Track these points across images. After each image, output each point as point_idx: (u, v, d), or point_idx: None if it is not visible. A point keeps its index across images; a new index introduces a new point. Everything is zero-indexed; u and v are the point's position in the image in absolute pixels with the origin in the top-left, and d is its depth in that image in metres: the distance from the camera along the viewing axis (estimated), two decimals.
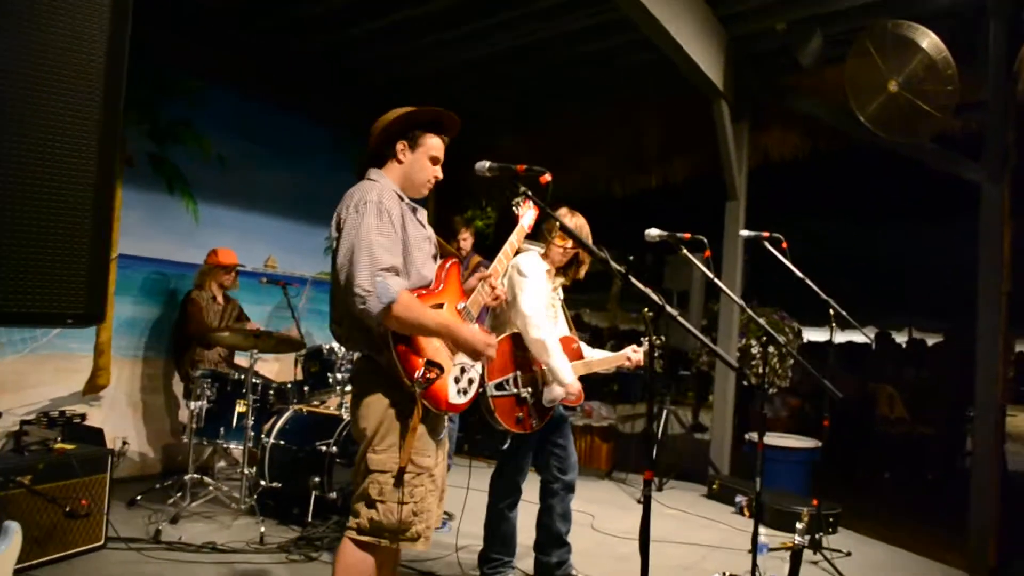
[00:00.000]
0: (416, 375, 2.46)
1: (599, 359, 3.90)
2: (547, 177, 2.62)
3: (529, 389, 3.53)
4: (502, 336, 3.52)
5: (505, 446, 3.65)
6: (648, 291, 2.50)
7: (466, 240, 5.83)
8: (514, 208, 3.00)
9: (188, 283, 5.50)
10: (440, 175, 2.79)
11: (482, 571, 3.80)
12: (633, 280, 2.48)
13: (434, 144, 2.75)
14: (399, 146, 2.72)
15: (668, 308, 2.46)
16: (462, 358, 2.67)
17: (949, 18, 5.38)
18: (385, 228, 2.52)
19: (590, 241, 3.85)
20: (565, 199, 4.00)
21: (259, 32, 6.02)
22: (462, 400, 2.66)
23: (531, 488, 3.84)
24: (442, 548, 4.09)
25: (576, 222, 3.74)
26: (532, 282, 3.61)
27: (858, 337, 5.74)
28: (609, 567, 4.24)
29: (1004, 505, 5.16)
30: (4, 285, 1.41)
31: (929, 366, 10.04)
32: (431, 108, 2.75)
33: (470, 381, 2.71)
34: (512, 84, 7.11)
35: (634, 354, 3.91)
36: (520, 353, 3.56)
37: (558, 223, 2.82)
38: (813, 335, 9.95)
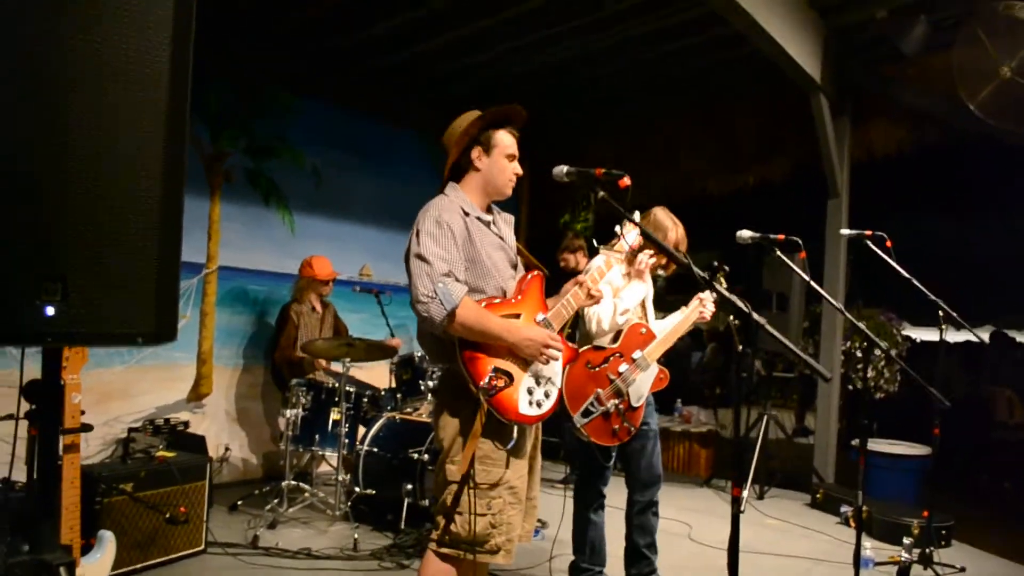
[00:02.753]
0: (482, 382, 2.45)
1: (671, 325, 3.69)
2: (626, 181, 2.54)
3: (614, 400, 3.42)
4: (570, 365, 3.28)
5: (611, 461, 3.60)
6: (734, 297, 2.40)
7: (579, 259, 5.75)
8: (616, 230, 2.97)
9: (285, 292, 5.67)
10: (520, 171, 2.77)
11: None
12: (718, 288, 2.39)
13: (507, 142, 2.73)
14: (474, 154, 2.71)
15: (755, 316, 2.35)
16: (537, 369, 2.63)
17: None
18: (443, 240, 2.52)
19: (685, 243, 3.76)
20: (660, 200, 3.91)
21: (342, 47, 6.15)
22: (534, 412, 2.60)
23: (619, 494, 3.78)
24: (535, 556, 4.06)
25: (666, 223, 3.68)
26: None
27: (974, 337, 5.42)
28: None
29: None
30: (75, 307, 1.44)
31: None
32: (495, 108, 2.73)
33: (546, 394, 2.65)
34: (600, 87, 7.03)
35: (703, 305, 3.71)
36: (591, 370, 3.42)
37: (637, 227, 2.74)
38: (927, 334, 9.48)
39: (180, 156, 1.57)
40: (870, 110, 6.42)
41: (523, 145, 2.80)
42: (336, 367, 5.27)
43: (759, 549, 4.72)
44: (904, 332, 7.62)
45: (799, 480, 6.49)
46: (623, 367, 3.44)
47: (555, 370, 2.69)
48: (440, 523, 2.56)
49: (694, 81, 6.75)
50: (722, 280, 3.54)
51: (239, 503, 4.89)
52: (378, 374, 5.93)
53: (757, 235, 3.50)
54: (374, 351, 4.94)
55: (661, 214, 3.74)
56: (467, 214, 2.64)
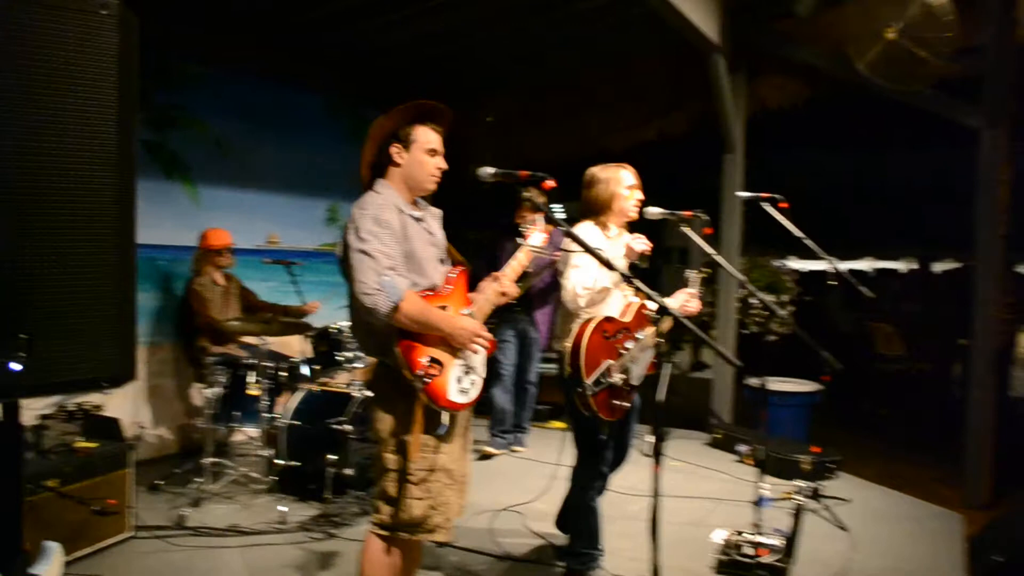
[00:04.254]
0: (418, 370, 2.58)
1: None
2: (550, 183, 2.64)
3: (620, 375, 3.41)
4: (591, 327, 3.37)
5: (604, 435, 3.54)
6: (652, 293, 2.56)
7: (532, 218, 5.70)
8: (522, 230, 3.03)
9: (190, 267, 5.56)
10: (443, 165, 2.83)
11: (570, 566, 3.76)
12: (637, 284, 2.55)
13: (427, 137, 2.79)
14: (393, 150, 2.76)
15: (671, 309, 2.51)
16: (465, 358, 2.76)
17: None
18: (384, 236, 2.61)
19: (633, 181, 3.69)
20: (561, 155, 4.01)
21: (244, 15, 5.94)
22: (462, 399, 2.74)
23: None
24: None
25: (606, 174, 3.65)
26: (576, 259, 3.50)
27: (860, 268, 5.80)
28: (621, 527, 4.28)
29: (1003, 436, 5.31)
30: (42, 359, 1.49)
31: (927, 300, 10.17)
32: (414, 104, 2.78)
33: (472, 383, 2.80)
34: (501, 46, 7.02)
35: (690, 300, 3.65)
36: (606, 339, 3.40)
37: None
38: (820, 264, 10.03)
39: (131, 218, 1.61)
40: (765, 66, 6.63)
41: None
42: (250, 340, 5.26)
43: (666, 492, 5.00)
44: (794, 266, 8.10)
45: (698, 421, 6.89)
46: (630, 343, 3.46)
47: (480, 360, 2.82)
48: (381, 508, 2.71)
49: (594, 39, 6.81)
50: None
51: (161, 482, 4.87)
52: (292, 343, 5.92)
53: (666, 212, 3.68)
54: (290, 327, 5.02)
55: (601, 171, 3.67)
56: (401, 211, 2.72)
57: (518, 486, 5.14)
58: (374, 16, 6.06)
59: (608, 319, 3.43)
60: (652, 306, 3.58)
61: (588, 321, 3.38)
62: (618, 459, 3.81)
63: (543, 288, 5.82)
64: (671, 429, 6.68)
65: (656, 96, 7.17)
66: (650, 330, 3.53)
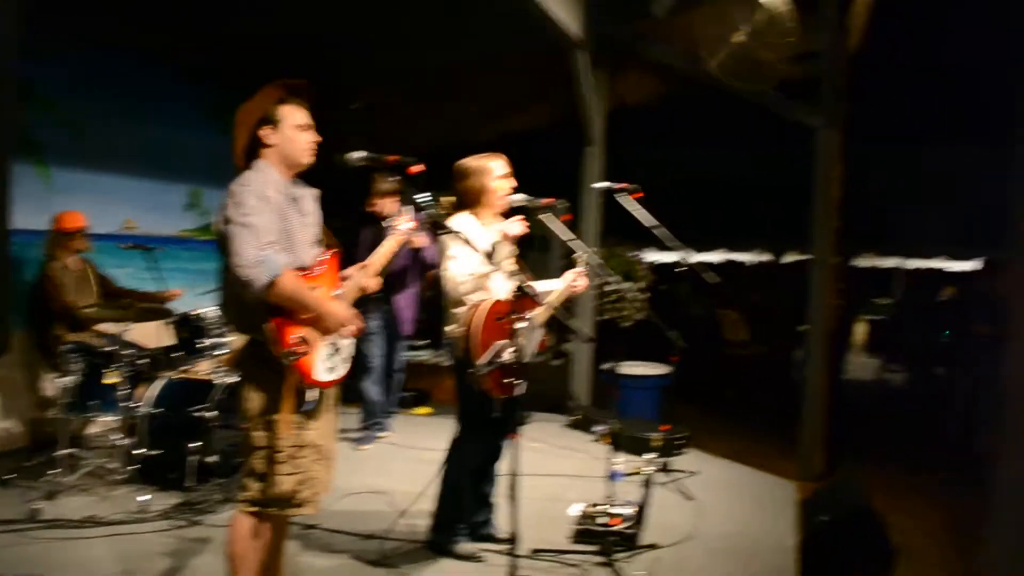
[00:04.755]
0: (287, 348, 2.66)
1: (553, 293, 3.85)
2: (416, 168, 2.76)
3: (512, 353, 3.48)
4: (483, 311, 3.53)
5: (496, 412, 3.60)
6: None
7: (387, 205, 5.67)
8: (389, 220, 3.11)
9: (42, 251, 5.32)
10: (316, 138, 2.91)
11: (438, 539, 3.90)
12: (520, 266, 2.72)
13: (295, 115, 2.86)
14: (263, 133, 2.82)
15: (527, 286, 2.70)
16: (334, 339, 2.85)
17: None
18: (265, 212, 2.67)
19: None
20: (432, 144, 4.12)
21: None
22: (328, 377, 2.84)
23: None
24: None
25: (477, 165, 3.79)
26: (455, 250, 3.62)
27: (712, 259, 6.20)
28: None
29: (836, 414, 5.84)
30: None
31: (771, 290, 10.90)
32: (275, 84, 2.86)
33: (342, 361, 2.90)
34: (369, 33, 7.02)
35: (576, 279, 3.88)
36: (498, 321, 3.52)
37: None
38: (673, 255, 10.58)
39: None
40: (626, 63, 6.95)
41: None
42: (108, 328, 5.09)
43: (525, 471, 5.22)
44: (650, 257, 8.52)
45: (558, 404, 7.17)
46: (520, 324, 3.50)
47: (348, 341, 2.92)
48: (250, 485, 2.76)
49: (464, 31, 6.92)
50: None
51: (11, 476, 4.66)
52: (150, 331, 5.76)
53: (527, 199, 3.86)
54: (150, 314, 4.92)
55: (472, 163, 3.80)
56: (280, 190, 2.79)
57: (383, 470, 5.24)
58: None
59: (498, 302, 3.58)
60: (541, 287, 3.79)
61: (478, 305, 3.54)
62: (499, 441, 3.90)
63: (399, 271, 5.70)
64: (532, 412, 6.90)
65: (522, 89, 7.38)
66: (539, 310, 3.69)
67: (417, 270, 5.86)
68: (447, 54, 7.36)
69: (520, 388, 3.34)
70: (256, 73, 3.20)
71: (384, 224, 5.37)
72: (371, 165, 2.84)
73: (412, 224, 3.17)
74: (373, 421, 6.00)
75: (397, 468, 5.27)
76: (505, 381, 3.51)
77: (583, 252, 3.91)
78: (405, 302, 5.90)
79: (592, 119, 6.80)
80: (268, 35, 6.76)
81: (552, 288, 3.89)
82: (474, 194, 3.77)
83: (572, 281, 3.87)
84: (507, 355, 3.51)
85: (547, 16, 5.62)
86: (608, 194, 4.54)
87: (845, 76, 5.79)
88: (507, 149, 3.94)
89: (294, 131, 2.84)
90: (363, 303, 3.77)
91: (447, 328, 3.75)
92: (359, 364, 5.57)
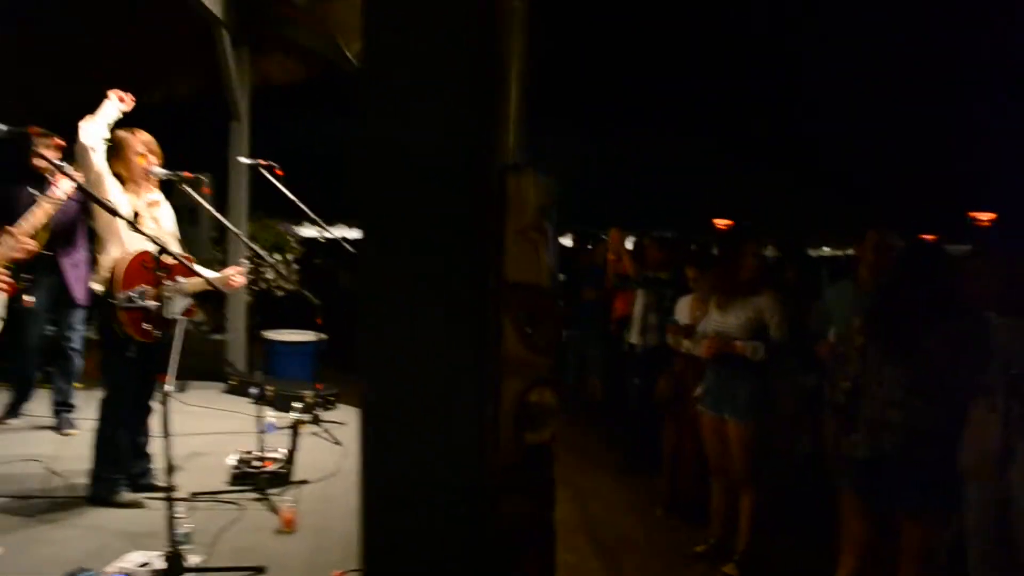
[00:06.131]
0: None
1: (206, 275, 4.13)
2: (57, 140, 2.99)
3: (154, 302, 3.74)
4: (131, 253, 3.77)
5: (131, 352, 3.85)
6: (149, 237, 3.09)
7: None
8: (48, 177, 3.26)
9: None
10: None
11: (98, 492, 4.04)
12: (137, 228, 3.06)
13: None
14: None
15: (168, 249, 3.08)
16: None
17: None
18: None
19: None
20: (60, 109, 4.17)
21: None
22: None
23: None
24: None
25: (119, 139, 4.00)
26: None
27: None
28: None
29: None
30: None
31: None
32: None
33: None
34: None
35: (232, 278, 4.23)
36: (144, 268, 3.75)
37: None
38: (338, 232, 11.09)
39: None
40: (270, 45, 7.26)
41: None
42: None
43: (185, 432, 5.41)
44: (304, 232, 8.94)
45: (216, 372, 7.38)
46: (170, 283, 3.77)
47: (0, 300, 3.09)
48: None
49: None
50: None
51: None
52: None
53: (169, 173, 4.16)
54: None
55: (120, 134, 4.01)
56: None
57: (32, 442, 5.21)
58: None
59: (148, 252, 3.76)
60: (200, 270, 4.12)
61: (132, 253, 3.81)
62: (145, 392, 4.14)
63: (64, 231, 5.06)
64: (191, 381, 6.98)
65: (161, 61, 7.35)
66: (194, 280, 4.03)
67: (86, 230, 5.20)
68: (85, 23, 7.13)
69: (157, 336, 3.75)
70: None
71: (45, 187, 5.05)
72: (14, 138, 3.01)
73: (69, 188, 3.35)
74: (23, 401, 5.65)
75: (48, 438, 5.24)
76: (144, 325, 3.81)
77: (246, 253, 4.28)
78: (71, 264, 5.22)
79: (236, 95, 7.02)
80: None
81: (209, 275, 4.20)
82: (118, 166, 3.98)
83: (230, 276, 4.25)
84: (150, 301, 3.80)
85: None
86: (253, 168, 4.94)
87: None
88: (147, 121, 4.20)
89: None
90: (30, 270, 3.83)
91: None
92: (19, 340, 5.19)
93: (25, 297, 4.56)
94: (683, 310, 4.81)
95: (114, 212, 3.21)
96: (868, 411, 3.14)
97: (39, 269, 4.85)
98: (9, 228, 3.17)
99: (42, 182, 4.80)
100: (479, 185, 1.35)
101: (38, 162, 5.34)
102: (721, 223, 16.97)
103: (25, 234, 3.19)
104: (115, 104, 3.77)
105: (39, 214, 3.26)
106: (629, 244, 6.38)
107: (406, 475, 1.40)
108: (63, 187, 3.37)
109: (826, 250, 19.94)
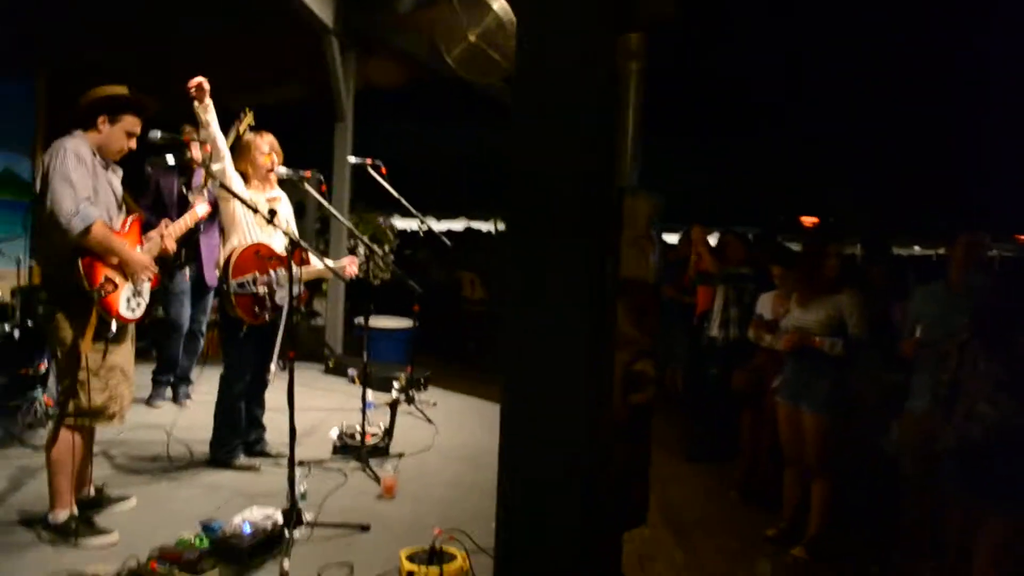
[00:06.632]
0: (97, 285, 3.26)
1: (320, 266, 4.65)
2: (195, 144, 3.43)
3: (264, 288, 4.22)
4: (246, 244, 4.23)
5: (242, 333, 4.29)
6: (283, 231, 3.52)
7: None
8: (189, 195, 3.73)
9: None
10: (132, 146, 3.51)
11: (218, 455, 4.51)
12: (273, 223, 3.49)
13: (131, 123, 3.46)
14: (100, 119, 3.39)
15: (298, 240, 3.50)
16: (135, 283, 3.47)
17: None
18: (83, 171, 3.25)
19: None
20: (181, 107, 4.63)
21: None
22: (130, 315, 3.48)
23: None
24: None
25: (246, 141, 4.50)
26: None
27: (455, 227, 7.14)
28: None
29: None
30: None
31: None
32: (134, 96, 3.44)
33: (139, 304, 3.53)
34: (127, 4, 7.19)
35: (349, 266, 4.66)
36: (258, 257, 4.22)
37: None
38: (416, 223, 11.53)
39: None
40: (373, 50, 7.71)
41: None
42: None
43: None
44: (398, 224, 9.39)
45: (315, 354, 7.92)
46: (281, 271, 4.22)
47: (147, 288, 3.55)
48: (67, 403, 3.31)
49: (219, 9, 7.30)
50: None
51: None
52: None
53: (290, 171, 4.59)
54: None
55: (248, 136, 4.52)
56: (95, 154, 3.36)
57: (153, 411, 5.73)
58: None
59: (263, 244, 4.27)
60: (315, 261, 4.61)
61: (247, 244, 4.25)
62: (261, 366, 4.45)
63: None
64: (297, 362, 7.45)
65: (275, 66, 7.88)
66: (310, 268, 4.51)
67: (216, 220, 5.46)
68: (205, 31, 7.69)
69: (268, 319, 4.16)
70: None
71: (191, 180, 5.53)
72: (169, 142, 3.51)
73: (207, 208, 3.85)
74: (167, 379, 5.98)
75: (167, 409, 5.79)
76: (256, 309, 4.24)
77: (360, 248, 4.64)
78: (208, 247, 5.64)
79: (342, 98, 7.52)
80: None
81: (328, 264, 4.64)
82: (243, 166, 4.46)
83: (346, 265, 4.68)
84: (260, 287, 4.24)
85: (302, 3, 6.27)
86: (357, 166, 5.36)
87: None
88: (262, 121, 4.66)
89: (122, 135, 3.43)
90: (169, 264, 4.33)
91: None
92: (166, 324, 5.84)
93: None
94: (766, 305, 4.96)
95: (254, 208, 3.70)
96: (962, 405, 3.26)
97: (187, 252, 5.52)
98: (165, 228, 3.62)
99: (190, 176, 5.43)
100: (603, 203, 1.76)
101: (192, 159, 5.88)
102: (808, 220, 16.77)
103: (176, 233, 3.65)
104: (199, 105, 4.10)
105: (188, 219, 3.75)
106: (712, 240, 6.54)
107: (541, 427, 1.80)
108: (204, 206, 3.86)
109: (916, 249, 19.51)
